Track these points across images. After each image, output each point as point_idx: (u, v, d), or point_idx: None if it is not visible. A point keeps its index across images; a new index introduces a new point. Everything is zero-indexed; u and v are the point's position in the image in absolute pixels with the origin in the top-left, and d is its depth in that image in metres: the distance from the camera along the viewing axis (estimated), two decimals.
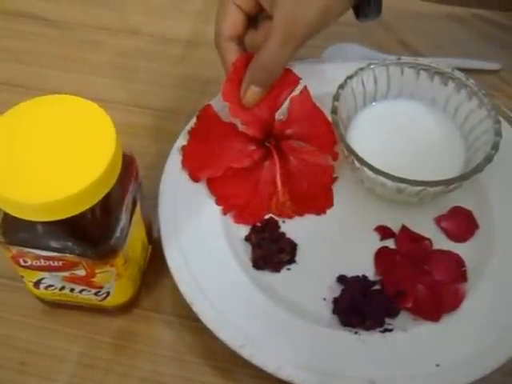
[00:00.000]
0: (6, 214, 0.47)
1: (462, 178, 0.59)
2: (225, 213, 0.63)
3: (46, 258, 0.51)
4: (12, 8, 0.85)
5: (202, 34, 0.83)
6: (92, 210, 0.48)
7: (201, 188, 0.64)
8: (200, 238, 0.61)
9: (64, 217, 0.46)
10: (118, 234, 0.50)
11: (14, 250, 0.50)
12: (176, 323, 0.59)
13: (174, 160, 0.65)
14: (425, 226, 0.63)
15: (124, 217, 0.51)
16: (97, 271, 0.52)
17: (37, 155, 0.46)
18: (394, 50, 0.79)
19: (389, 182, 0.58)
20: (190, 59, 0.80)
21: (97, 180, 0.45)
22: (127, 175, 0.52)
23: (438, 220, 0.63)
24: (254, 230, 0.62)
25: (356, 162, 0.60)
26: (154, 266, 0.62)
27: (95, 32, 0.83)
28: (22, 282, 0.57)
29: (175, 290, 0.57)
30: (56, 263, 0.51)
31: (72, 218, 0.46)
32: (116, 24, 0.84)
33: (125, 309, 0.59)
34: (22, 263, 0.52)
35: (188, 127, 0.66)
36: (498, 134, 0.60)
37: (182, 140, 0.65)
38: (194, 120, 0.66)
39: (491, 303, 0.57)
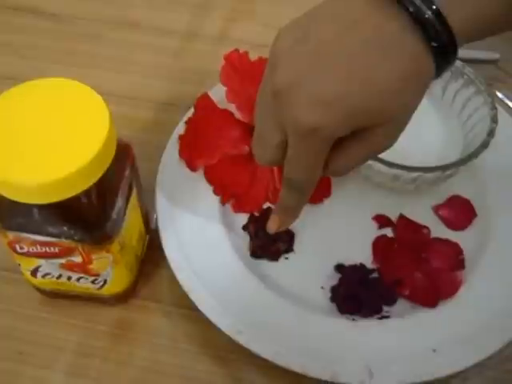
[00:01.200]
0: (1, 199, 0.47)
1: (458, 163, 0.59)
2: (223, 202, 0.63)
3: (43, 244, 0.51)
4: (11, 2, 0.85)
5: (200, 26, 0.83)
6: (87, 194, 0.48)
7: (198, 178, 0.64)
8: (197, 228, 0.61)
9: (59, 199, 0.46)
10: (113, 218, 0.50)
11: (11, 235, 0.50)
12: (174, 312, 0.59)
13: (172, 151, 0.65)
14: (423, 214, 0.63)
15: (120, 202, 0.51)
16: (93, 257, 0.52)
17: (31, 138, 0.46)
18: None
19: (385, 169, 0.58)
20: (188, 52, 0.81)
21: (91, 161, 0.45)
22: (123, 161, 0.52)
23: (437, 208, 0.64)
24: (251, 219, 0.63)
25: None
26: (152, 256, 0.62)
27: (95, 25, 0.83)
28: (20, 273, 0.57)
29: (173, 279, 0.58)
30: (52, 249, 0.51)
31: (68, 202, 0.46)
32: (116, 17, 0.84)
33: (122, 298, 0.59)
34: (19, 250, 0.52)
35: (185, 117, 0.66)
36: (495, 120, 0.60)
37: (179, 130, 0.66)
38: (192, 110, 0.66)
39: (488, 290, 0.57)
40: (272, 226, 0.54)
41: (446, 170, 0.58)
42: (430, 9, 0.41)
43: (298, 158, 0.46)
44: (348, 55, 0.42)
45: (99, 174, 0.47)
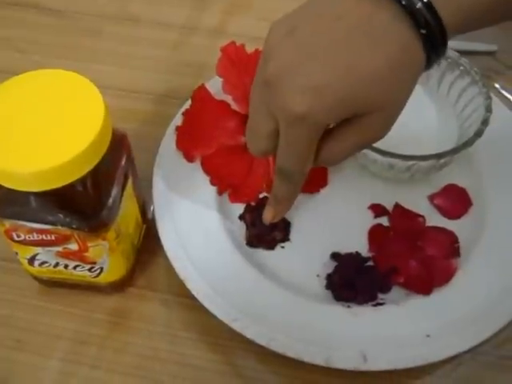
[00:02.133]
0: None
1: (452, 152, 0.59)
2: (220, 192, 0.63)
3: (39, 232, 0.51)
4: None
5: (198, 20, 0.84)
6: (83, 182, 0.48)
7: (195, 169, 0.64)
8: (194, 217, 0.61)
9: (55, 186, 0.46)
10: (108, 206, 0.51)
11: (8, 223, 0.51)
12: (170, 301, 0.60)
13: (169, 142, 0.65)
14: (419, 203, 0.64)
15: (115, 190, 0.52)
16: (89, 245, 0.52)
17: (28, 127, 0.47)
18: None
19: (380, 158, 0.59)
20: (186, 45, 0.81)
21: (86, 150, 0.46)
22: (118, 150, 0.53)
23: (432, 197, 0.64)
24: (248, 208, 0.63)
25: None
26: (149, 246, 0.62)
27: (96, 20, 0.84)
28: (19, 263, 0.57)
29: (170, 268, 0.58)
30: (49, 237, 0.52)
31: (63, 190, 0.47)
32: (116, 12, 0.85)
33: (119, 286, 0.60)
34: (16, 238, 0.52)
35: (183, 109, 0.67)
36: (489, 110, 0.60)
37: (176, 122, 0.66)
38: (189, 102, 0.67)
39: (482, 278, 0.58)
40: (267, 217, 0.56)
41: (440, 158, 0.58)
42: (421, 0, 0.41)
43: (289, 146, 0.47)
44: (336, 44, 0.43)
45: (94, 163, 0.48)
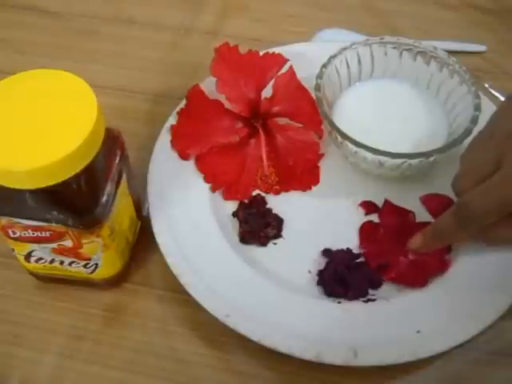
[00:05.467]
0: None
1: (440, 150, 0.60)
2: (214, 190, 0.64)
3: (34, 229, 0.52)
4: (11, 1, 0.88)
5: (193, 21, 0.85)
6: (77, 180, 0.49)
7: (189, 167, 0.65)
8: (188, 214, 0.62)
9: (49, 184, 0.47)
10: (102, 203, 0.52)
11: (3, 220, 0.52)
12: (165, 297, 0.61)
13: (164, 140, 0.66)
14: (409, 201, 0.64)
15: (109, 188, 0.53)
16: (83, 241, 0.53)
17: (22, 125, 0.48)
18: (382, 34, 0.80)
19: (370, 156, 0.60)
20: (182, 46, 0.82)
21: (79, 148, 0.47)
22: (112, 148, 0.54)
23: (422, 198, 0.64)
24: (241, 206, 0.64)
25: (339, 137, 0.61)
26: (144, 243, 0.63)
27: (92, 22, 0.85)
28: (16, 259, 0.58)
29: (164, 265, 0.59)
30: (44, 234, 0.52)
31: (58, 187, 0.48)
32: (112, 13, 0.86)
33: (114, 282, 0.61)
34: (12, 235, 0.53)
35: (177, 108, 0.68)
36: (477, 108, 0.61)
37: (171, 121, 0.67)
38: (184, 102, 0.68)
39: (472, 275, 0.58)
40: (415, 244, 0.59)
41: (428, 156, 0.59)
42: None
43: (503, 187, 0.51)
44: None
45: (87, 161, 0.49)
